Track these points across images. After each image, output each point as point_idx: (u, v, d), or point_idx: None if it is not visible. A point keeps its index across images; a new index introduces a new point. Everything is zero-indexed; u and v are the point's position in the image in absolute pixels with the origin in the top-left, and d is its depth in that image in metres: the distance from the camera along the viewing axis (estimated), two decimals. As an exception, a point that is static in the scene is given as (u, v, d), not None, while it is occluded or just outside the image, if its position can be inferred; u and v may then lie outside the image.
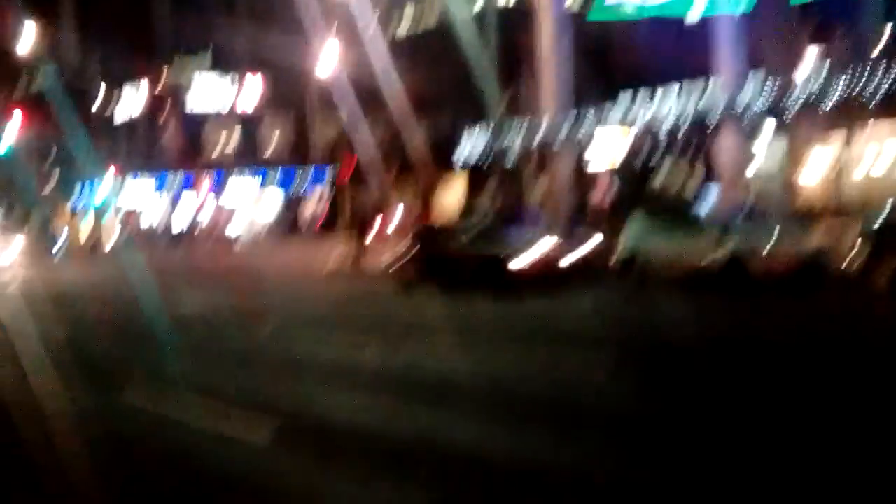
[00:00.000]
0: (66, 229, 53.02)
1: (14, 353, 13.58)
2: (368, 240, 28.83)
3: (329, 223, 50.90)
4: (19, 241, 44.63)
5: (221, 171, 52.52)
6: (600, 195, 27.20)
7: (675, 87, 24.33)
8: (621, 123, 25.78)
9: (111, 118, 52.20)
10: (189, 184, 50.91)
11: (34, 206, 53.41)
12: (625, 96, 25.52)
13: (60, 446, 7.80)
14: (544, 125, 25.26)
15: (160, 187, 52.10)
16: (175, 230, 49.41)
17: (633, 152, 26.17)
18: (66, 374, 11.14)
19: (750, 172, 23.60)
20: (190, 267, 29.33)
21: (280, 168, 54.78)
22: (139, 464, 7.23)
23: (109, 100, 52.34)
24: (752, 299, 14.22)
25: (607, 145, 26.46)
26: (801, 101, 21.90)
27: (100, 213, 51.11)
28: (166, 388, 9.91)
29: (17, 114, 46.66)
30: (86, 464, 7.26)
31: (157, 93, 50.92)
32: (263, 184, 55.76)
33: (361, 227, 29.57)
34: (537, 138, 26.40)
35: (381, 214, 39.30)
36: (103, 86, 51.89)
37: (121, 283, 25.57)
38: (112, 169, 47.76)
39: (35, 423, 8.63)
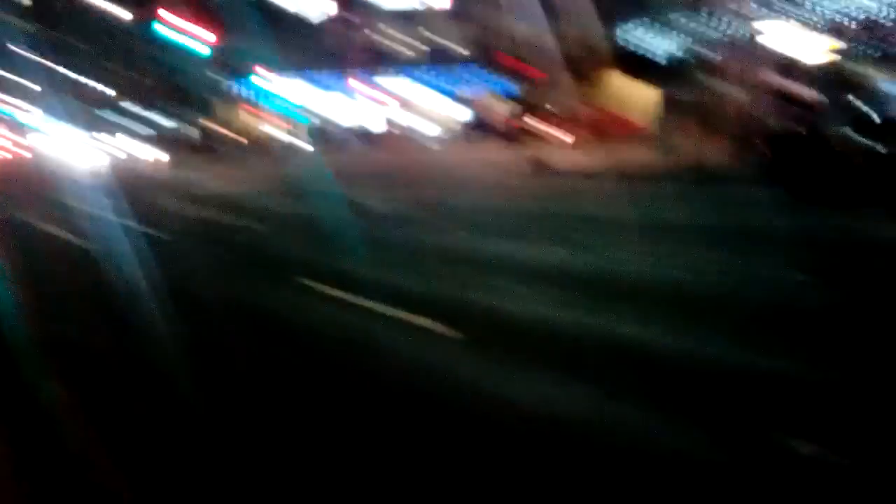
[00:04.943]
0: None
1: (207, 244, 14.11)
2: (557, 142, 28.25)
3: (513, 128, 50.45)
4: None
5: (403, 72, 52.54)
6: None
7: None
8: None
9: (289, 19, 52.37)
10: (368, 84, 51.01)
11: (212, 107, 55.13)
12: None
13: (247, 331, 7.78)
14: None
15: (340, 88, 52.60)
16: (357, 129, 50.03)
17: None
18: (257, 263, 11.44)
19: None
20: (376, 165, 29.63)
21: (466, 72, 54.40)
22: (331, 349, 7.28)
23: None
24: None
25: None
26: None
27: (277, 111, 52.29)
28: (358, 280, 9.95)
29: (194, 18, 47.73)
30: (279, 347, 7.37)
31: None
32: (448, 87, 55.60)
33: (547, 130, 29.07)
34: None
35: (569, 117, 38.48)
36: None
37: (304, 181, 26.14)
38: (290, 69, 48.50)
39: (224, 309, 8.77)
